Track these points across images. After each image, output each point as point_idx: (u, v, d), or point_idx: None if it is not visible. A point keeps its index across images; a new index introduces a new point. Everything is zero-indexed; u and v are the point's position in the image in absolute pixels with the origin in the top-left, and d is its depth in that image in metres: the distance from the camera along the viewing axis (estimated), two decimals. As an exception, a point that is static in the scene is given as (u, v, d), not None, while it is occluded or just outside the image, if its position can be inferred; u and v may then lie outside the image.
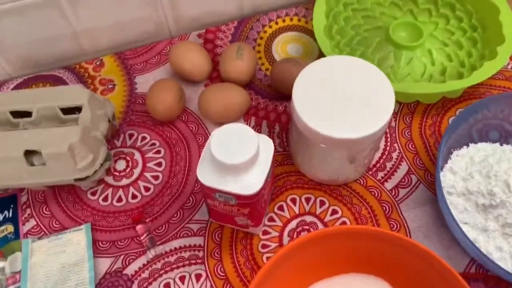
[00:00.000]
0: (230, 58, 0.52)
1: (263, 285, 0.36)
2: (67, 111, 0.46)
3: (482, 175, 0.44)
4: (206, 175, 0.37)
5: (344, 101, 0.41)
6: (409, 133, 0.51)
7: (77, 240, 0.46)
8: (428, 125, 0.51)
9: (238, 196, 0.38)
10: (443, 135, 0.44)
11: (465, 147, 0.48)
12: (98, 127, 0.46)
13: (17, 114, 0.46)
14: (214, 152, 0.35)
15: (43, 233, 0.47)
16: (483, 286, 0.43)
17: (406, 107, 0.53)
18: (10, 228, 0.47)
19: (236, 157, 0.35)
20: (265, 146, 0.38)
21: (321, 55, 0.54)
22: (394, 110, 0.51)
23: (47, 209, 0.48)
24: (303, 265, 0.40)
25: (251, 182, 0.37)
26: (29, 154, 0.43)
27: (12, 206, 0.48)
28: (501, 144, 0.49)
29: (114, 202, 0.48)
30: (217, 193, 0.38)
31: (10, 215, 0.48)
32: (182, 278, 0.43)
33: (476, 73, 0.50)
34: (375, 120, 0.40)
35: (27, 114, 0.46)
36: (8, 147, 0.43)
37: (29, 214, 0.48)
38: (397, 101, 0.53)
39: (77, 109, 0.46)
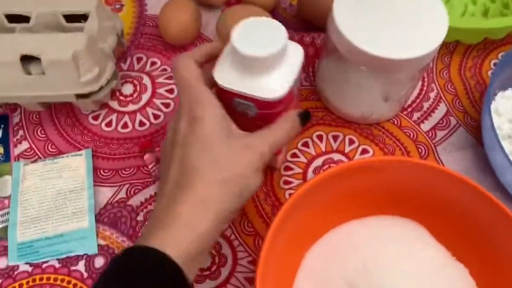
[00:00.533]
0: (254, -21, 0.47)
1: (285, 224, 0.32)
2: (71, 18, 0.40)
3: (531, 117, 0.40)
4: (224, 76, 0.32)
5: (391, 19, 0.36)
6: (447, 74, 0.46)
7: (75, 166, 0.40)
8: (469, 67, 0.47)
9: (259, 103, 0.32)
10: (490, 79, 0.39)
11: (509, 89, 0.44)
12: (105, 40, 0.41)
13: (13, 18, 0.40)
14: (236, 45, 0.30)
15: (37, 156, 0.41)
16: (527, 236, 0.38)
17: (444, 47, 0.48)
18: (0, 149, 0.42)
19: (262, 50, 0.30)
20: (294, 51, 0.33)
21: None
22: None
23: (42, 132, 0.42)
24: (328, 204, 0.35)
25: (275, 86, 0.32)
26: (26, 60, 0.38)
27: (2, 126, 0.43)
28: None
29: (119, 128, 0.43)
30: (237, 99, 0.33)
31: (0, 136, 0.42)
32: (194, 212, 0.39)
33: (527, 11, 0.45)
34: (424, 43, 0.36)
35: (25, 19, 0.40)
36: (1, 51, 0.37)
37: (21, 136, 0.42)
38: (435, 40, 0.48)
39: (82, 18, 0.40)
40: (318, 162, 0.41)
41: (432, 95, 0.45)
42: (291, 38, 0.47)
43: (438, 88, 0.45)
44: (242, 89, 0.32)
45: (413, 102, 0.44)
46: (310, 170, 0.41)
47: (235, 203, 0.29)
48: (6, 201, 0.39)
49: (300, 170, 0.41)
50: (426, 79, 0.46)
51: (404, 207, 0.37)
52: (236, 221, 0.39)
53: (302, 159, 0.41)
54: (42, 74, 0.38)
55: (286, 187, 0.40)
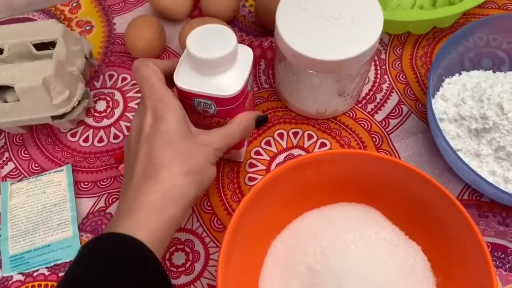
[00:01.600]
0: (212, -8, 0.50)
1: (247, 216, 0.35)
2: (40, 47, 0.44)
3: (474, 100, 0.43)
4: (184, 79, 0.36)
5: (330, 22, 0.39)
6: (399, 65, 0.49)
7: (57, 181, 0.44)
8: (419, 56, 0.49)
9: (217, 100, 0.36)
10: (433, 61, 0.42)
11: (457, 75, 0.46)
12: (74, 63, 0.44)
13: (-12, 52, 0.44)
14: (191, 49, 0.34)
15: (22, 175, 0.45)
16: (476, 212, 0.42)
17: (396, 39, 0.51)
18: (-12, 172, 0.45)
19: (214, 52, 0.34)
20: (244, 53, 0.37)
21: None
22: (384, 42, 0.50)
23: (26, 152, 0.46)
24: (290, 195, 0.39)
25: (230, 83, 0.36)
26: (2, 90, 0.41)
27: (-11, 150, 0.46)
28: (494, 72, 0.47)
29: (95, 143, 0.46)
30: (196, 99, 0.36)
31: (-12, 159, 0.46)
32: (167, 215, 0.42)
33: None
34: (363, 40, 0.39)
35: (-1, 51, 0.44)
36: (-22, 83, 0.41)
37: (7, 158, 0.46)
38: (387, 33, 0.51)
39: (51, 45, 0.44)
40: (280, 158, 0.45)
41: (385, 86, 0.48)
42: (250, 43, 0.50)
43: (391, 79, 0.48)
44: (201, 89, 0.36)
45: (367, 94, 0.47)
46: (273, 166, 0.44)
47: (195, 192, 0.33)
48: (-3, 219, 0.43)
49: (264, 167, 0.44)
50: (379, 72, 0.49)
51: (359, 193, 0.40)
52: (206, 219, 0.42)
53: (265, 156, 0.45)
54: (17, 101, 0.41)
55: (251, 183, 0.43)
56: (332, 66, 0.39)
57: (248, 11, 0.54)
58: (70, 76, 0.43)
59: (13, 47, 0.43)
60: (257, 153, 0.45)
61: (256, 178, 0.44)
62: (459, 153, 0.42)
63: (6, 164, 0.46)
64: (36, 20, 0.53)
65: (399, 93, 0.47)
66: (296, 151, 0.45)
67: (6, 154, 0.46)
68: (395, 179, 0.38)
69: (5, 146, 0.46)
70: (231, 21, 0.52)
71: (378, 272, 0.37)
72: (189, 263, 0.40)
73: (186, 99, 0.37)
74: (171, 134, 0.33)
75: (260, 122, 0.39)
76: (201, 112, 0.38)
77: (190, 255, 0.41)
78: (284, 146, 0.45)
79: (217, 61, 0.34)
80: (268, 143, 0.45)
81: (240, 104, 0.37)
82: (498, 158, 0.41)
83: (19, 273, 0.41)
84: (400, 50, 0.50)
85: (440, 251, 0.38)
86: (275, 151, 0.45)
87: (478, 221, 0.41)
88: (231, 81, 0.36)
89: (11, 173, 0.45)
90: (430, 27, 0.50)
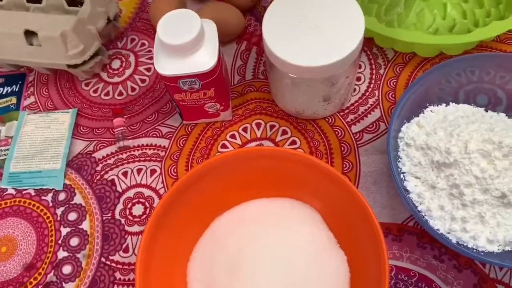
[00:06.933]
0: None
1: (171, 210, 0.39)
2: (72, 3, 0.50)
3: (446, 133, 0.42)
4: (164, 66, 0.41)
5: (314, 30, 0.41)
6: (394, 83, 0.49)
7: (62, 120, 0.51)
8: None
9: (201, 76, 0.41)
10: (411, 83, 0.42)
11: (443, 104, 0.46)
12: (95, 22, 0.50)
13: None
14: (164, 39, 0.39)
15: (38, 109, 0.53)
16: (415, 240, 0.42)
17: (401, 57, 0.51)
18: (14, 100, 0.54)
19: (186, 36, 0.38)
20: (209, 26, 0.42)
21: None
22: (387, 57, 0.51)
23: (46, 91, 0.54)
24: (220, 187, 0.41)
25: (207, 58, 0.41)
26: (29, 34, 0.49)
27: (20, 82, 0.55)
28: (486, 110, 0.46)
29: (102, 95, 0.53)
30: (180, 81, 0.41)
31: (17, 89, 0.54)
32: (139, 170, 0.48)
33: (479, 30, 0.46)
34: (338, 49, 0.40)
35: (39, 1, 0.51)
36: (12, 24, 0.48)
37: (31, 92, 0.54)
38: (393, 49, 0.51)
39: (81, 3, 0.50)
40: (250, 145, 0.48)
41: (371, 100, 0.49)
42: (260, 34, 0.53)
43: (379, 95, 0.49)
44: (184, 71, 0.41)
45: (352, 104, 0.49)
46: (241, 151, 0.48)
47: None
48: (10, 140, 0.51)
49: (233, 150, 0.48)
50: (372, 86, 0.49)
51: (302, 192, 0.42)
52: (169, 182, 0.47)
53: (238, 141, 0.48)
54: (39, 46, 0.48)
55: (216, 162, 0.47)
56: (310, 72, 0.41)
57: (270, 2, 0.56)
58: (88, 33, 0.49)
59: (50, -1, 0.51)
60: (232, 136, 0.49)
61: (223, 158, 0.47)
62: (417, 181, 0.43)
63: (29, 96, 0.54)
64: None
65: (382, 111, 0.48)
66: (266, 142, 0.48)
67: (31, 89, 0.54)
68: (323, 183, 0.40)
69: (33, 82, 0.54)
70: (250, 10, 0.56)
71: (296, 272, 0.40)
72: (144, 216, 0.46)
73: (171, 82, 0.42)
74: None
75: None
76: (187, 90, 0.43)
77: (148, 209, 0.46)
78: (258, 136, 0.48)
79: (190, 43, 0.39)
80: (245, 129, 0.49)
81: (219, 71, 0.42)
82: (451, 195, 0.41)
83: (13, 188, 0.49)
84: (400, 69, 0.50)
85: (359, 264, 0.40)
86: (249, 138, 0.48)
87: (414, 249, 0.42)
88: (207, 55, 0.41)
89: (30, 105, 0.53)
90: (437, 52, 0.49)
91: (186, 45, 0.39)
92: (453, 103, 0.46)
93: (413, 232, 0.42)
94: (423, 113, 0.45)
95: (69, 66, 0.50)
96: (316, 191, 0.42)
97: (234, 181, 0.42)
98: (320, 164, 0.39)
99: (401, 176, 0.42)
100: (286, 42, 0.41)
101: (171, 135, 0.49)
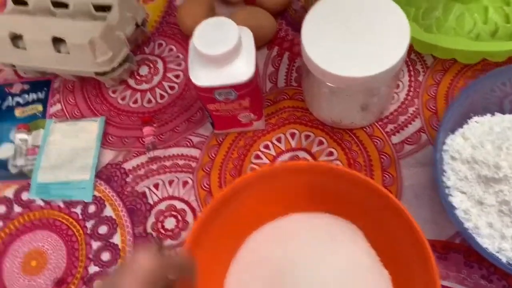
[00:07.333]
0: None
1: (220, 212, 0.38)
2: (99, 8, 0.49)
3: (494, 146, 0.41)
4: (200, 76, 0.39)
5: (356, 37, 0.39)
6: (435, 91, 0.47)
7: (90, 129, 0.50)
8: (459, 86, 0.47)
9: (237, 87, 0.39)
10: (461, 92, 0.40)
11: (488, 115, 0.44)
12: (124, 28, 0.49)
13: (57, 4, 0.50)
14: (201, 48, 0.37)
15: (65, 117, 0.51)
16: (462, 259, 0.40)
17: (440, 64, 0.49)
18: (40, 107, 0.52)
19: (223, 46, 0.37)
20: (245, 35, 0.40)
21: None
22: (426, 64, 0.49)
23: (73, 98, 0.52)
24: (256, 202, 0.40)
25: (244, 68, 0.39)
26: (57, 41, 0.47)
27: (45, 89, 0.53)
28: (532, 121, 0.44)
29: (131, 103, 0.51)
30: (216, 92, 0.40)
31: (42, 96, 0.53)
32: (170, 182, 0.46)
33: (527, 37, 0.44)
34: (382, 60, 0.38)
35: (66, 6, 0.49)
36: (41, 31, 0.47)
37: (57, 99, 0.53)
38: (432, 55, 0.49)
39: (108, 8, 0.49)
40: (285, 156, 0.46)
41: (411, 109, 0.47)
42: (293, 38, 0.53)
43: (420, 104, 0.47)
44: (220, 82, 0.39)
45: (391, 113, 0.47)
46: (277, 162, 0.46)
47: None
48: (37, 149, 0.50)
49: (268, 161, 0.46)
50: (411, 94, 0.47)
51: (347, 210, 0.41)
52: (202, 195, 0.45)
53: (272, 151, 0.47)
54: (67, 53, 0.47)
55: (251, 174, 0.46)
56: (351, 82, 0.39)
57: (300, 6, 0.54)
58: (117, 39, 0.48)
59: (77, 4, 0.49)
60: (266, 146, 0.47)
61: (257, 170, 0.46)
62: (463, 196, 0.41)
63: (55, 104, 0.52)
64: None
65: (423, 120, 0.46)
66: (301, 153, 0.46)
67: (57, 96, 0.53)
68: (368, 200, 0.38)
69: (59, 89, 0.53)
70: (281, 13, 0.54)
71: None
72: (177, 229, 0.44)
73: (206, 93, 0.40)
74: None
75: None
76: (222, 100, 0.41)
77: (180, 223, 0.45)
78: (293, 146, 0.47)
79: (228, 53, 0.37)
80: (279, 139, 0.47)
81: (255, 81, 0.41)
82: (501, 212, 0.39)
83: (41, 199, 0.47)
84: (440, 77, 0.48)
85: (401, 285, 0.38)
86: (283, 148, 0.47)
87: (461, 268, 0.40)
88: (244, 65, 0.39)
89: (57, 113, 0.52)
90: (479, 58, 0.47)
91: (224, 56, 0.37)
92: (498, 113, 0.44)
93: (459, 250, 0.41)
94: (467, 123, 0.44)
95: (97, 73, 0.48)
96: (357, 206, 0.40)
97: (271, 196, 0.40)
98: (363, 179, 0.37)
99: (446, 190, 0.41)
100: (327, 50, 0.39)
101: (202, 145, 0.48)
